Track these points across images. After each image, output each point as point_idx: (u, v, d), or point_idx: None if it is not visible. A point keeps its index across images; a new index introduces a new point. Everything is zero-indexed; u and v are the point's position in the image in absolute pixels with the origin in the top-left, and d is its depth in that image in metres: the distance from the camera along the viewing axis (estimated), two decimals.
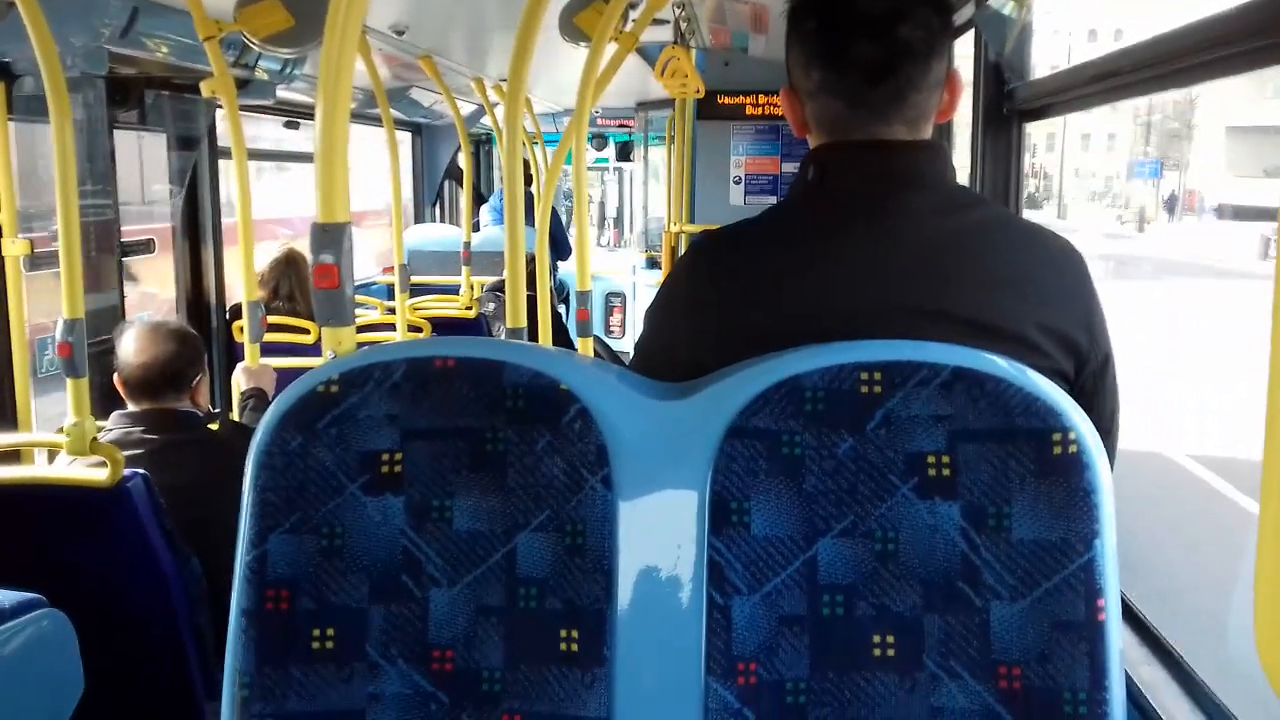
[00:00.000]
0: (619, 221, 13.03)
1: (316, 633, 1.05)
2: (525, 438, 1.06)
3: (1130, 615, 1.60)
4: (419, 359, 1.07)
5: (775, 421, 1.04)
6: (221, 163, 4.32)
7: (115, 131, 3.62)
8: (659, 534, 1.05)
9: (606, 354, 4.92)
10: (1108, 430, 1.27)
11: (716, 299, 1.23)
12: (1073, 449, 1.01)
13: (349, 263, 1.13)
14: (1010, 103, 2.13)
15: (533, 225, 2.96)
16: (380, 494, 1.06)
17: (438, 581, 1.06)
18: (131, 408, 2.56)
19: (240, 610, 1.05)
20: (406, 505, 1.06)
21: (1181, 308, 17.00)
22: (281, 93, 4.37)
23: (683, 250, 5.17)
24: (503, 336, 2.15)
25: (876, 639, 1.04)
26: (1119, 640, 1.02)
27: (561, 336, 3.68)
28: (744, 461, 1.04)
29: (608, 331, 7.91)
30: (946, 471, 1.03)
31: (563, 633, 1.05)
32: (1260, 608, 0.63)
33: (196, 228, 4.30)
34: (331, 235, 1.10)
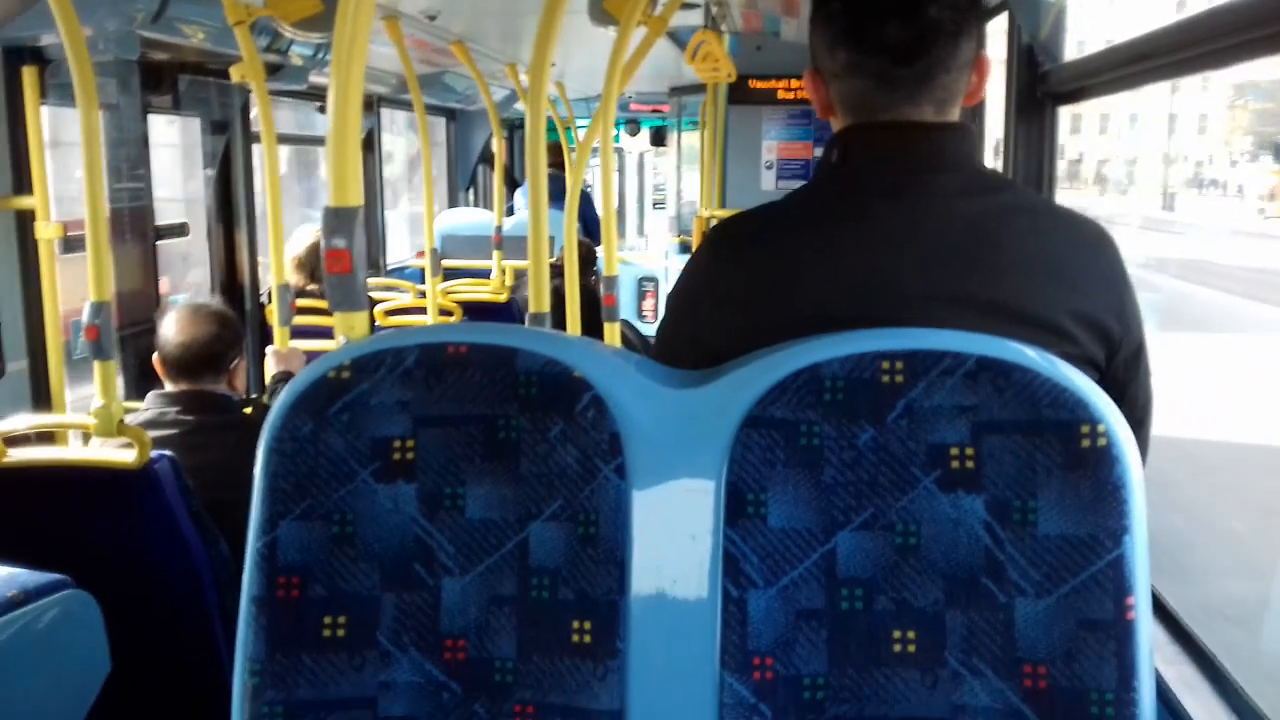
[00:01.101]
0: (620, 215, 10.75)
1: (328, 620, 1.05)
2: (538, 425, 1.05)
3: (1163, 613, 1.56)
4: (431, 345, 1.06)
5: (793, 411, 1.02)
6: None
7: (149, 116, 3.65)
8: (673, 524, 1.03)
9: (637, 338, 4.90)
10: (1140, 421, 1.23)
11: (737, 285, 1.21)
12: (1102, 441, 0.98)
13: (362, 248, 1.12)
14: (1043, 85, 2.08)
15: (562, 209, 2.95)
16: (392, 481, 1.05)
17: (450, 570, 1.05)
18: (169, 388, 2.58)
19: (250, 597, 1.05)
20: (418, 493, 1.05)
21: None
22: (314, 78, 4.39)
23: None
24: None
25: (897, 634, 1.01)
26: (1149, 640, 0.99)
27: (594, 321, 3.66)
28: (761, 452, 1.02)
29: (640, 316, 7.89)
30: (970, 464, 1.00)
31: (575, 624, 1.04)
32: None
33: (230, 211, 4.33)
34: (344, 220, 1.09)
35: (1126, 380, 1.21)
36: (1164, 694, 1.35)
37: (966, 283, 1.14)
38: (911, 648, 1.01)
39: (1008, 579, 0.99)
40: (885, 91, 1.19)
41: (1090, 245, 1.19)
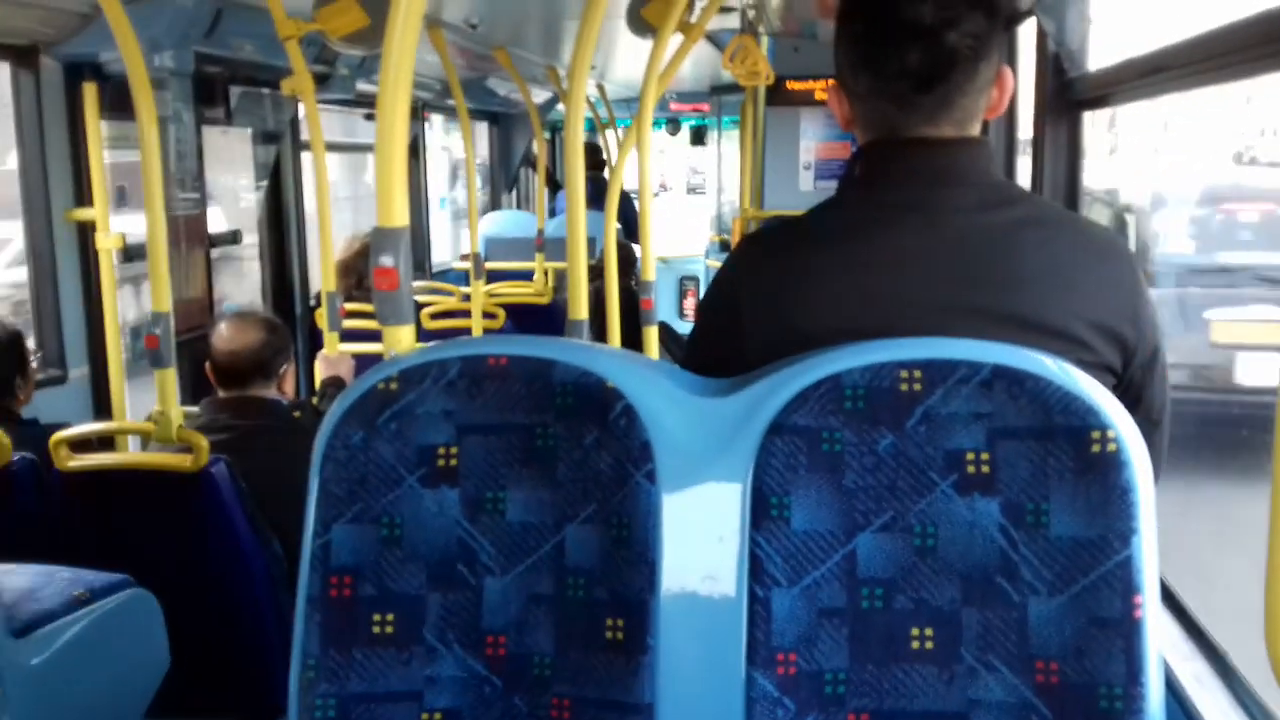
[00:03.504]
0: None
1: (377, 618, 1.11)
2: (574, 433, 1.10)
3: (1176, 610, 1.59)
4: (473, 357, 1.12)
5: (816, 419, 1.06)
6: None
7: (202, 128, 3.75)
8: (701, 527, 1.08)
9: (673, 340, 4.93)
10: (1156, 423, 1.27)
11: (763, 296, 1.26)
12: (1111, 447, 1.02)
13: (408, 265, 1.18)
14: (1070, 93, 2.11)
15: (603, 210, 3.00)
16: (437, 486, 1.11)
17: (491, 570, 1.11)
18: (221, 394, 2.66)
19: (306, 596, 1.11)
20: (462, 497, 1.11)
21: None
22: (361, 85, 4.48)
23: None
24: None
25: (915, 632, 1.06)
26: (1156, 636, 1.02)
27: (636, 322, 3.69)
28: (784, 457, 1.07)
29: (680, 315, 7.93)
30: (986, 468, 1.04)
31: (609, 621, 1.09)
32: (1270, 620, 0.65)
33: (280, 219, 4.44)
34: (391, 238, 1.16)
35: (1143, 384, 1.24)
36: (1175, 689, 1.38)
37: (982, 295, 1.18)
38: (929, 644, 1.05)
39: (1021, 579, 1.04)
40: (905, 114, 1.23)
41: (1103, 254, 1.22)
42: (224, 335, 2.65)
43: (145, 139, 2.32)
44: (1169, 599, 1.61)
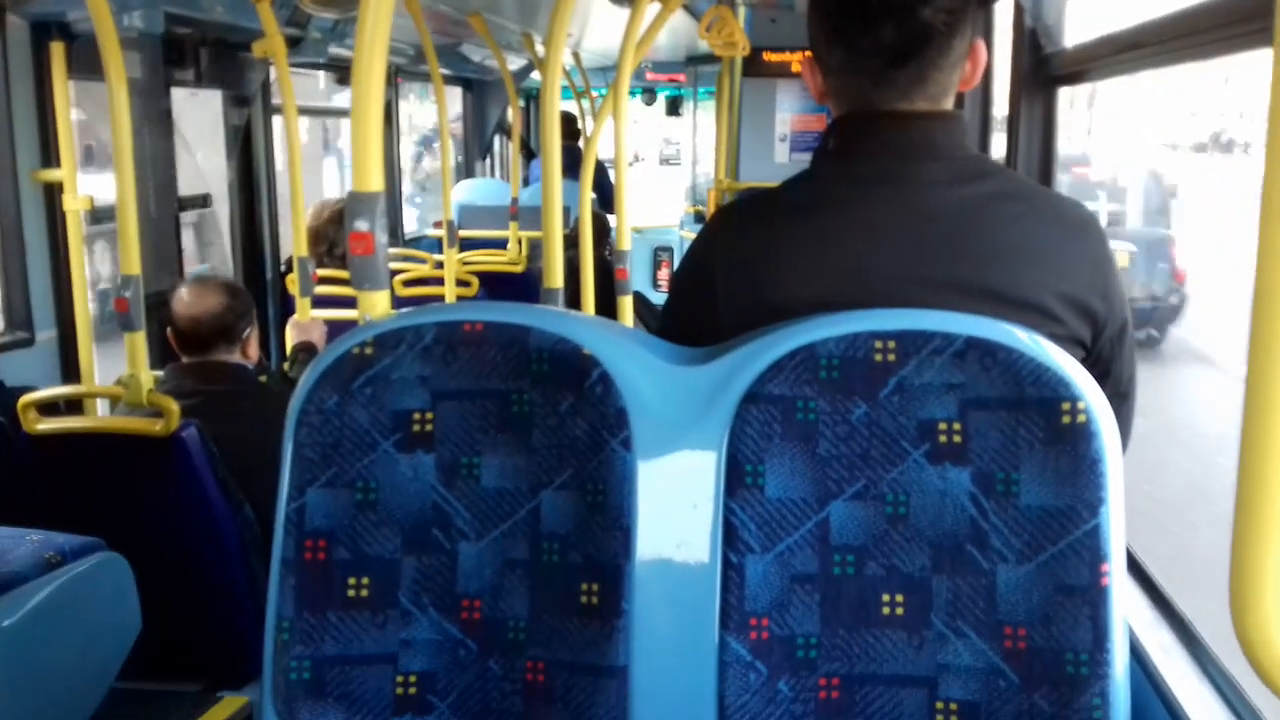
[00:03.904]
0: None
1: (352, 581, 1.12)
2: (549, 400, 1.11)
3: (1143, 579, 1.62)
4: (448, 323, 1.12)
5: (790, 388, 1.07)
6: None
7: (172, 89, 3.70)
8: (676, 494, 1.09)
9: (647, 311, 4.93)
10: (1125, 395, 1.29)
11: (738, 268, 1.26)
12: (1081, 418, 1.03)
13: (383, 230, 1.17)
14: (1046, 69, 2.12)
15: (578, 179, 3.00)
16: (412, 451, 1.11)
17: (466, 535, 1.12)
18: (185, 360, 2.64)
19: (280, 559, 1.11)
20: (437, 462, 1.11)
21: None
22: (333, 50, 4.43)
23: None
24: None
25: (886, 598, 1.07)
26: (1122, 604, 1.05)
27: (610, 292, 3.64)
28: (759, 426, 1.08)
29: (654, 285, 7.93)
30: (957, 438, 1.06)
31: (583, 585, 1.10)
32: (1235, 591, 0.66)
33: (251, 183, 4.39)
34: (366, 203, 1.15)
35: (1111, 357, 1.26)
36: (1140, 656, 1.41)
37: (955, 269, 1.19)
38: (899, 610, 1.07)
39: (991, 547, 1.05)
40: (880, 89, 1.23)
41: (1074, 229, 1.23)
42: (185, 300, 2.60)
43: (114, 100, 2.29)
44: (1135, 568, 1.63)
